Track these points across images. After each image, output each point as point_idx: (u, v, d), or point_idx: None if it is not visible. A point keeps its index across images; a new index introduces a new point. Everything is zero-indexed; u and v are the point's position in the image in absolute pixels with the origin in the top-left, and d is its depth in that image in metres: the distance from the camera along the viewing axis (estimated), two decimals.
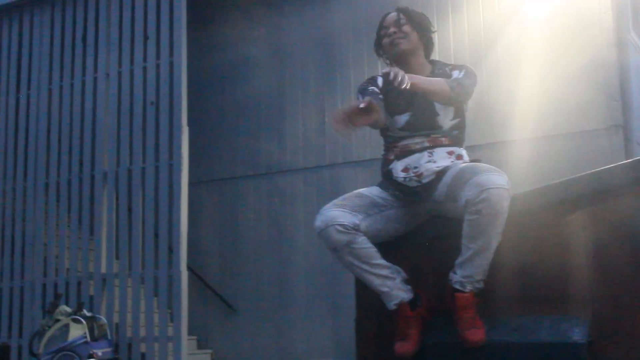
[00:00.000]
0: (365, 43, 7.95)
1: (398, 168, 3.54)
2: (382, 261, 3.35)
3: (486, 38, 7.76)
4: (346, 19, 8.53)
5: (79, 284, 7.80)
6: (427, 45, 3.77)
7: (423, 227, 3.53)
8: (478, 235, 3.15)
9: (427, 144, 3.51)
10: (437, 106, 3.54)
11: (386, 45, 3.73)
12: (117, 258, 7.72)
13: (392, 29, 3.67)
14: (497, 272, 3.27)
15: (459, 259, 3.23)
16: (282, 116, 8.86)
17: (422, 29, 3.73)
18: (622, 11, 7.41)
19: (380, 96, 3.59)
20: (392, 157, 3.57)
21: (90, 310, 7.46)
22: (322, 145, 8.55)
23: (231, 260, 8.96)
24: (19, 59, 8.72)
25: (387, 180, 3.58)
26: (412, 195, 3.47)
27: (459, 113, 3.59)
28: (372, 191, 3.56)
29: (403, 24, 3.66)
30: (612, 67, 7.23)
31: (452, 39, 7.87)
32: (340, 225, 3.28)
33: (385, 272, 3.35)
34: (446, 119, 3.54)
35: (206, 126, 9.13)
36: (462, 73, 3.57)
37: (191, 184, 7.70)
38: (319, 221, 3.35)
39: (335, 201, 3.45)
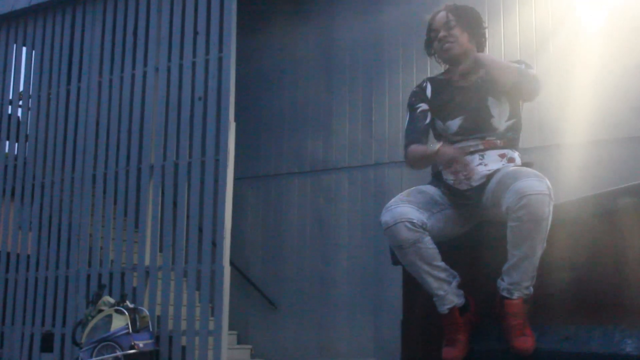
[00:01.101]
0: (415, 43, 7.85)
1: (448, 171, 3.42)
2: (442, 264, 3.24)
3: (538, 39, 7.61)
4: (396, 19, 8.43)
5: (122, 275, 7.79)
6: (480, 42, 3.62)
7: (475, 230, 3.40)
8: (521, 242, 3.03)
9: (481, 147, 3.38)
10: (492, 107, 3.40)
11: (437, 49, 3.59)
12: (160, 251, 7.73)
13: (442, 33, 3.53)
14: (549, 279, 3.14)
15: (506, 266, 3.11)
16: (328, 114, 8.79)
17: (473, 28, 3.59)
18: None
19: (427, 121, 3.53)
20: None
21: (133, 302, 7.45)
22: (368, 144, 8.46)
23: (274, 256, 8.90)
24: (71, 51, 8.75)
25: (438, 181, 3.45)
26: (462, 198, 3.34)
27: (515, 113, 3.45)
28: (430, 189, 3.44)
29: (452, 27, 3.51)
30: None
31: (503, 39, 7.72)
32: (410, 222, 3.16)
33: (443, 275, 3.24)
34: (501, 120, 3.41)
35: (253, 123, 9.11)
36: (523, 65, 3.43)
37: (236, 180, 7.68)
38: (387, 217, 3.20)
39: (401, 196, 3.31)
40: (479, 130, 3.39)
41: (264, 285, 8.85)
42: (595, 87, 7.16)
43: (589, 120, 7.08)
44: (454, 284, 3.25)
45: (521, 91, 3.40)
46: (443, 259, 3.25)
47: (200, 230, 7.44)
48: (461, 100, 3.46)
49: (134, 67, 8.21)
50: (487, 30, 3.66)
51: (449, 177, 3.39)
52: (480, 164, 3.35)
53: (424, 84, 3.64)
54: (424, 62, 7.87)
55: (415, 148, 3.49)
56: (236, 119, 7.55)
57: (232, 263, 7.60)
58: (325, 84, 8.88)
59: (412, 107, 3.62)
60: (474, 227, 3.41)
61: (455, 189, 3.36)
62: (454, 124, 3.44)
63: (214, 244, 7.35)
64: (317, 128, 8.84)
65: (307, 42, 9.09)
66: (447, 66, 3.64)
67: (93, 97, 8.40)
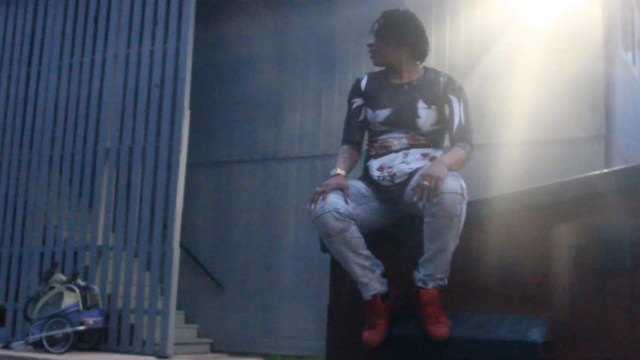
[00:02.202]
0: (365, 39, 7.97)
1: (374, 166, 3.54)
2: (367, 252, 3.34)
3: (481, 44, 7.78)
4: (348, 15, 8.52)
5: (75, 254, 7.87)
6: (413, 50, 3.63)
7: (399, 223, 3.54)
8: (435, 237, 3.16)
9: (405, 141, 3.50)
10: (420, 109, 3.52)
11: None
12: (113, 231, 7.79)
13: (369, 40, 3.64)
14: (466, 269, 3.29)
15: (422, 259, 3.25)
16: (280, 105, 8.88)
17: (399, 39, 3.60)
18: (611, 26, 7.43)
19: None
20: (372, 152, 3.58)
21: (84, 280, 7.53)
22: (317, 135, 8.58)
23: (222, 240, 8.99)
24: (33, 34, 8.76)
25: (365, 176, 3.59)
26: (385, 194, 3.49)
27: (441, 120, 3.56)
28: (357, 183, 3.56)
29: (380, 37, 3.58)
30: (599, 79, 7.27)
31: (448, 44, 7.89)
32: (337, 212, 3.26)
33: (368, 263, 3.35)
34: (427, 123, 3.52)
35: (207, 111, 9.12)
36: (462, 108, 3.52)
37: (189, 165, 7.76)
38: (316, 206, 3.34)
39: None
40: (404, 124, 3.50)
41: (212, 267, 8.94)
42: (532, 92, 7.35)
43: (524, 122, 7.27)
44: (378, 272, 3.36)
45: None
46: (369, 250, 3.38)
47: (152, 212, 7.53)
48: (392, 95, 3.55)
49: (93, 53, 8.26)
50: (424, 39, 3.71)
51: (374, 173, 3.52)
52: (404, 162, 3.47)
53: (362, 77, 3.74)
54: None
55: (339, 153, 3.61)
56: (191, 107, 7.65)
57: (182, 245, 7.70)
58: (278, 76, 8.97)
59: (349, 102, 3.70)
60: (397, 221, 3.53)
61: (379, 184, 3.48)
62: (382, 114, 3.53)
63: (165, 226, 7.45)
64: (269, 118, 8.94)
65: (262, 34, 9.15)
66: None
67: (53, 80, 8.43)
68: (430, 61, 3.86)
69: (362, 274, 3.34)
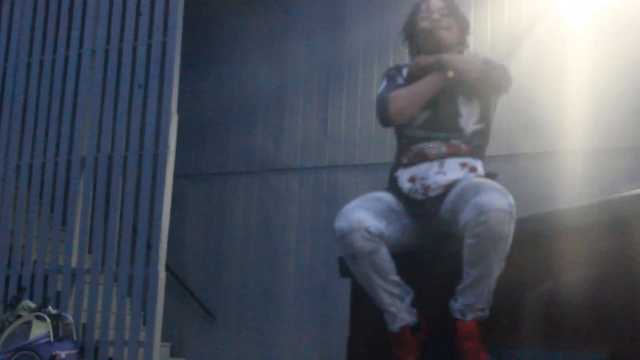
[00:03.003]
0: (377, 40, 7.95)
1: (404, 177, 3.45)
2: (397, 278, 3.26)
3: (510, 42, 7.71)
4: (358, 15, 8.48)
5: (45, 277, 7.70)
6: (462, 43, 3.67)
7: (432, 244, 3.43)
8: (477, 261, 3.07)
9: (444, 150, 3.41)
10: (461, 106, 3.45)
11: (423, 30, 3.58)
12: (89, 252, 7.64)
13: (435, 15, 3.55)
14: (508, 299, 3.18)
15: (460, 286, 3.15)
16: (280, 110, 8.84)
17: (463, 25, 3.66)
18: None
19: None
20: (405, 161, 3.48)
21: (56, 307, 7.38)
22: (322, 144, 8.51)
23: (215, 262, 8.92)
24: None
25: (393, 188, 3.49)
26: (418, 209, 3.38)
27: (484, 117, 3.49)
28: (386, 196, 3.45)
29: (446, 15, 3.57)
30: None
31: (489, 33, 7.79)
32: (367, 231, 3.17)
33: (397, 290, 3.27)
34: (469, 122, 3.45)
35: (197, 115, 9.10)
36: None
37: (177, 177, 7.66)
38: (343, 223, 3.20)
39: (357, 202, 3.31)
40: (444, 127, 3.43)
41: (202, 293, 8.87)
42: (580, 96, 7.26)
43: (573, 129, 7.20)
44: (407, 300, 3.27)
45: (490, 82, 3.44)
46: (401, 273, 3.28)
47: (135, 230, 7.41)
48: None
49: (68, 48, 8.12)
50: (471, 37, 3.73)
51: (404, 185, 3.42)
52: (439, 172, 3.38)
53: (401, 65, 3.68)
54: (386, 60, 7.94)
55: (407, 89, 3.51)
56: (179, 111, 7.52)
57: (168, 268, 7.59)
58: (278, 78, 8.93)
59: (390, 77, 3.64)
60: (430, 241, 3.44)
61: (411, 198, 3.39)
62: (420, 116, 3.46)
63: (148, 246, 7.33)
64: (267, 125, 8.88)
65: (260, 32, 9.12)
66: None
67: (21, 79, 8.30)
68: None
69: (391, 302, 3.25)
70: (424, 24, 3.57)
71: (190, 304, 8.86)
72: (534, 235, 3.18)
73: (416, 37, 3.64)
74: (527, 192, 7.10)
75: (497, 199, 3.01)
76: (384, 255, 3.22)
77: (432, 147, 3.43)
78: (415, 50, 3.69)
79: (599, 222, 3.06)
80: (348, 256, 3.24)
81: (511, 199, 3.04)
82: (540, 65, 7.53)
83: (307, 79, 8.74)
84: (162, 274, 7.19)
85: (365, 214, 3.22)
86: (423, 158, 3.43)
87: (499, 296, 3.15)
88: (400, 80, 3.60)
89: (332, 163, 8.42)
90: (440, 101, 3.47)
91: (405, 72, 3.63)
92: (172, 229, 7.50)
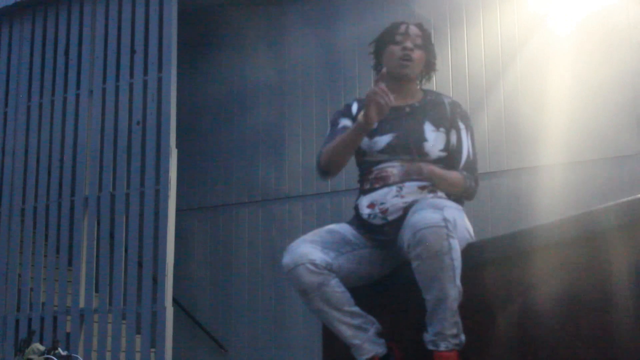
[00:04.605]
0: (372, 63, 7.86)
1: (364, 203, 3.40)
2: (356, 309, 3.18)
3: (506, 53, 7.63)
4: (351, 37, 8.43)
5: (54, 319, 7.70)
6: (427, 73, 3.65)
7: (399, 272, 3.34)
8: (429, 284, 2.98)
9: (404, 172, 3.35)
10: (428, 132, 3.39)
11: (392, 55, 3.55)
12: (96, 291, 7.64)
13: (409, 44, 3.50)
14: (482, 321, 3.09)
15: (427, 316, 3.07)
16: (280, 139, 8.79)
17: (431, 61, 3.64)
18: None
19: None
20: (366, 187, 3.43)
21: (66, 349, 7.32)
22: None
23: (223, 294, 8.84)
24: None
25: (355, 216, 3.43)
26: (378, 234, 3.31)
27: (448, 148, 3.44)
28: (344, 227, 3.40)
29: (419, 47, 3.53)
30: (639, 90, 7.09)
31: (467, 56, 7.73)
32: (311, 263, 3.11)
33: (358, 321, 3.18)
34: (434, 148, 3.40)
35: (197, 149, 9.07)
36: (470, 140, 3.46)
37: (180, 211, 7.65)
38: (287, 259, 3.17)
39: (305, 237, 3.28)
40: (408, 151, 3.37)
41: (212, 326, 8.78)
42: (567, 107, 7.18)
43: (560, 141, 7.12)
44: (372, 331, 3.18)
45: (468, 193, 3.44)
46: (364, 304, 3.19)
47: (140, 265, 7.37)
48: (393, 119, 3.45)
49: (65, 90, 8.17)
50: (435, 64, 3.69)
51: (364, 211, 3.36)
52: (397, 196, 3.31)
53: (351, 103, 3.65)
54: (375, 73, 7.87)
55: (329, 142, 3.50)
56: (179, 146, 7.53)
57: (176, 302, 7.59)
58: (277, 107, 8.88)
59: (333, 123, 3.62)
60: (397, 269, 3.35)
61: (371, 223, 3.33)
62: (383, 140, 3.41)
63: (155, 281, 7.29)
64: (268, 154, 8.83)
65: (257, 62, 9.08)
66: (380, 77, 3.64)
67: (21, 122, 8.33)
68: (447, 78, 3.78)
69: (352, 334, 3.18)
70: (395, 48, 3.53)
71: (200, 337, 8.77)
72: (508, 254, 3.12)
73: (383, 56, 3.59)
74: (513, 207, 7.18)
75: (430, 215, 2.95)
76: (335, 287, 3.14)
77: (393, 166, 3.37)
78: (379, 65, 3.65)
79: (573, 237, 2.98)
80: (299, 292, 3.18)
81: (447, 214, 2.96)
82: (529, 81, 7.43)
83: (305, 108, 8.69)
84: (170, 309, 7.16)
85: (310, 247, 3.16)
86: (383, 182, 3.37)
87: (478, 319, 3.06)
88: (343, 123, 3.57)
89: (334, 188, 8.34)
90: (405, 126, 3.44)
91: (355, 107, 3.59)
92: (178, 263, 7.48)
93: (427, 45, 3.57)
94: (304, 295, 3.16)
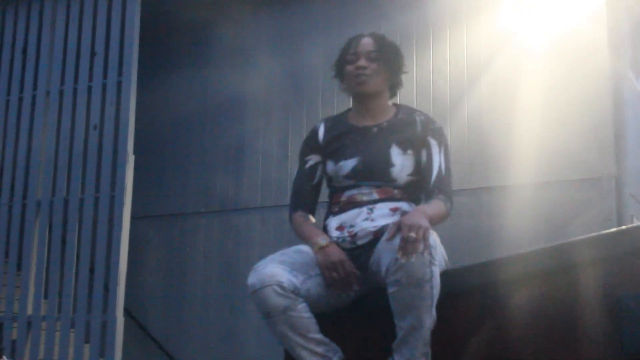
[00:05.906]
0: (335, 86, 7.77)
1: (333, 225, 3.28)
2: (319, 336, 3.06)
3: (472, 73, 7.61)
4: (315, 49, 8.37)
5: (0, 326, 7.51)
6: (395, 86, 3.50)
7: (368, 298, 3.21)
8: (405, 310, 2.87)
9: (375, 196, 3.23)
10: (394, 156, 3.28)
11: (349, 75, 3.43)
12: (45, 298, 7.47)
13: (361, 61, 3.36)
14: (468, 353, 2.99)
15: (395, 342, 2.95)
16: (240, 149, 8.73)
17: (393, 69, 3.46)
18: (619, 48, 7.28)
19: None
20: (336, 209, 3.30)
21: (11, 357, 7.20)
22: (283, 182, 8.35)
23: (176, 305, 8.74)
24: None
25: None
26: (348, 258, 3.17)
27: (419, 170, 3.31)
28: (309, 249, 3.26)
29: (373, 59, 3.38)
30: (606, 109, 7.11)
31: (432, 73, 7.68)
32: (279, 286, 2.98)
33: (320, 349, 3.06)
34: (402, 173, 3.28)
35: (156, 155, 8.99)
36: (442, 155, 3.32)
37: (134, 219, 7.52)
38: (253, 279, 3.03)
39: (273, 256, 3.16)
40: (374, 177, 3.25)
41: (164, 337, 8.67)
42: (530, 129, 7.18)
43: (524, 162, 7.11)
44: (335, 359, 3.06)
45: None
46: (329, 332, 3.09)
47: (92, 272, 7.23)
48: (359, 141, 3.36)
49: (22, 90, 8.00)
50: (404, 76, 3.54)
51: (332, 234, 3.24)
52: (367, 219, 3.20)
53: (317, 126, 3.52)
54: (346, 95, 7.79)
55: (300, 222, 3.39)
56: (136, 152, 7.42)
57: (127, 312, 7.48)
58: (237, 117, 8.81)
59: (301, 159, 3.51)
60: (366, 295, 3.22)
61: (340, 247, 3.19)
62: (347, 165, 3.30)
63: (106, 290, 7.15)
64: (227, 164, 8.77)
65: (219, 70, 9.01)
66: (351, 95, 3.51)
67: None
68: (412, 95, 3.66)
69: None
70: (349, 68, 3.40)
71: (151, 350, 8.65)
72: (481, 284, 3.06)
73: (344, 79, 3.47)
74: (473, 227, 7.14)
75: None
76: (302, 312, 3.02)
77: (363, 193, 3.24)
78: (345, 87, 3.50)
79: (549, 268, 2.95)
80: (262, 314, 3.05)
81: (430, 239, 2.86)
82: (499, 98, 7.41)
83: (267, 118, 8.66)
84: (121, 319, 7.02)
85: (279, 268, 3.03)
86: (354, 205, 3.24)
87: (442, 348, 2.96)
88: (310, 161, 3.47)
89: None
90: (370, 150, 3.33)
91: (322, 131, 3.45)
92: (131, 272, 7.36)
93: (383, 55, 3.42)
94: (267, 318, 3.03)
